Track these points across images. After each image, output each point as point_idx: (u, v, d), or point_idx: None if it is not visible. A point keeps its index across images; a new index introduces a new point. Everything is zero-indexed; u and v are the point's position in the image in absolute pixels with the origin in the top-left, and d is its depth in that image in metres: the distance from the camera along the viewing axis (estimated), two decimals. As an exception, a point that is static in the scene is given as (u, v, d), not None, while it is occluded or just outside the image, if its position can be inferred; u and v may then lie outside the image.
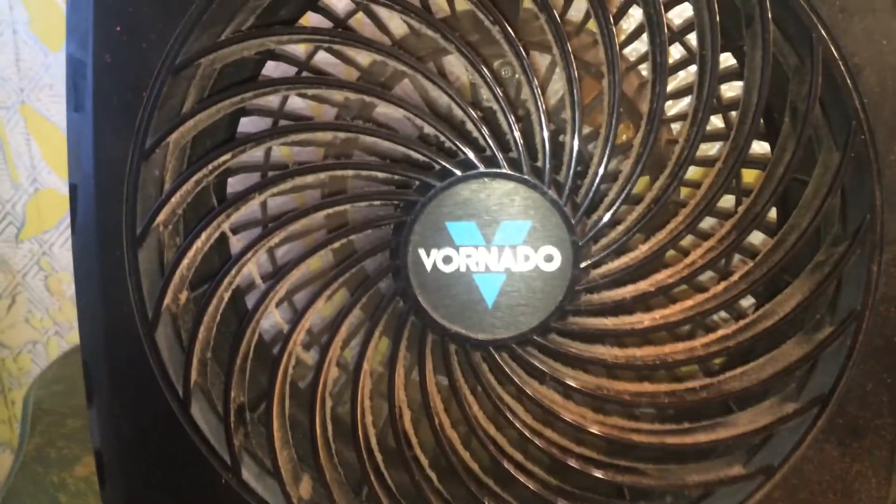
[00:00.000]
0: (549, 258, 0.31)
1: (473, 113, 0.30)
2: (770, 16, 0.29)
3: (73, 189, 0.33)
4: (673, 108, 0.52)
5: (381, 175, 0.31)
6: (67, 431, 0.56)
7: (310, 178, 0.32)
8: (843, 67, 0.29)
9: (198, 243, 0.32)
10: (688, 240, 0.32)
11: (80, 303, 0.34)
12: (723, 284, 0.31)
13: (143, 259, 0.33)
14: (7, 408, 0.82)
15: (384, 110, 0.34)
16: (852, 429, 0.32)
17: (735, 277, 0.31)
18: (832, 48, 0.29)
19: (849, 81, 0.29)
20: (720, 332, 0.32)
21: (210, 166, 0.31)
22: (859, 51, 0.29)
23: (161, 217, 0.32)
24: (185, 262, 0.33)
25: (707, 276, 0.37)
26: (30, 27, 0.67)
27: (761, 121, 0.34)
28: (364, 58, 0.41)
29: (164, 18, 0.31)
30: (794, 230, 0.31)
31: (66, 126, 0.33)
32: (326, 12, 0.39)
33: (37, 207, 0.73)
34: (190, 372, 0.33)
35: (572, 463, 0.32)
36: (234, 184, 0.38)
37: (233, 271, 0.32)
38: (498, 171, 0.30)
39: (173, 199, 0.32)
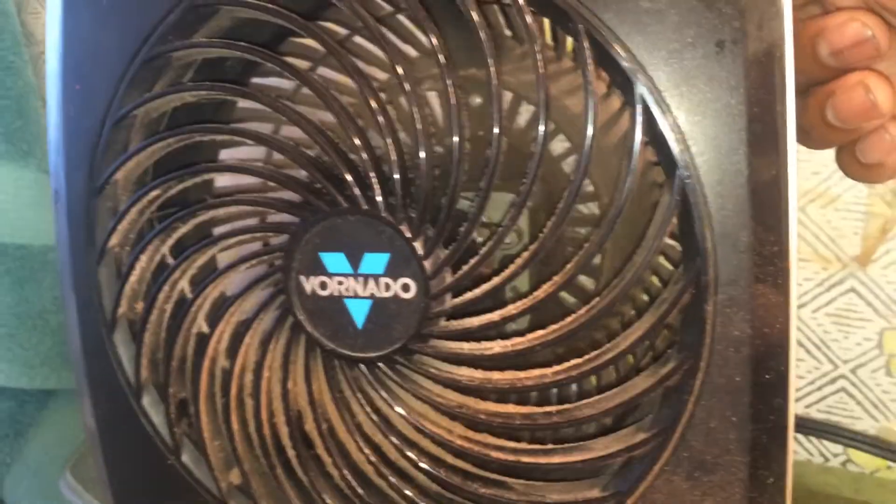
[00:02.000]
0: (405, 287, 0.34)
1: (336, 157, 0.34)
2: (589, 66, 0.30)
3: (55, 215, 0.40)
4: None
5: (271, 210, 0.36)
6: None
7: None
8: (662, 113, 0.30)
9: (141, 264, 0.39)
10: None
11: (64, 305, 0.41)
12: (571, 317, 0.33)
13: (103, 274, 0.40)
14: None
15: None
16: (699, 463, 0.33)
17: (582, 311, 0.33)
18: (653, 96, 0.30)
19: (669, 127, 0.30)
20: (571, 362, 0.34)
21: (143, 201, 0.38)
22: (680, 97, 0.30)
23: (114, 241, 0.39)
24: (133, 278, 0.39)
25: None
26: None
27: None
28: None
29: (106, 79, 0.37)
30: (631, 268, 0.32)
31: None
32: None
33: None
34: (139, 370, 0.40)
35: (441, 473, 0.36)
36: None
37: (164, 289, 0.38)
38: (356, 209, 0.34)
39: (121, 227, 0.39)
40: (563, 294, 0.35)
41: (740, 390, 0.31)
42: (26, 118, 0.91)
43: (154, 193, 0.38)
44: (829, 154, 0.58)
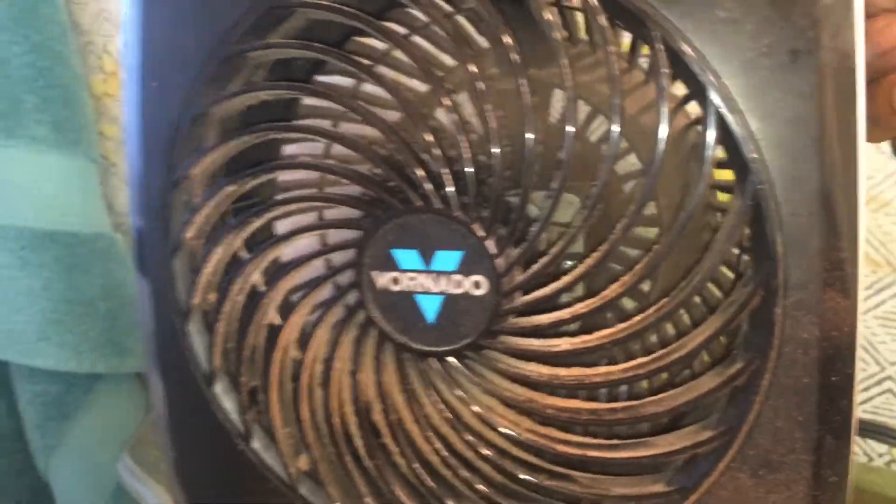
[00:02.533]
0: (477, 285, 0.35)
1: (411, 157, 0.35)
2: (663, 73, 0.31)
3: (130, 203, 0.42)
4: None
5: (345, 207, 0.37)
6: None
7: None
8: (737, 121, 0.31)
9: (216, 255, 0.40)
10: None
11: (138, 296, 0.43)
12: (639, 317, 0.34)
13: (178, 266, 0.41)
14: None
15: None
16: (765, 461, 0.33)
17: (650, 311, 0.34)
18: (727, 104, 0.31)
19: (744, 135, 0.31)
20: (637, 361, 0.34)
21: (218, 196, 0.39)
22: (755, 106, 0.31)
23: (189, 234, 0.40)
24: (208, 270, 0.40)
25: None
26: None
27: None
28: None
29: (184, 77, 0.38)
30: (698, 272, 0.33)
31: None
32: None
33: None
34: (213, 359, 0.41)
35: (507, 465, 0.37)
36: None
37: (238, 280, 0.40)
38: (430, 208, 0.35)
39: (196, 220, 0.40)
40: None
41: (808, 391, 0.32)
42: (74, 107, 0.93)
43: (230, 189, 0.39)
44: (881, 159, 0.59)
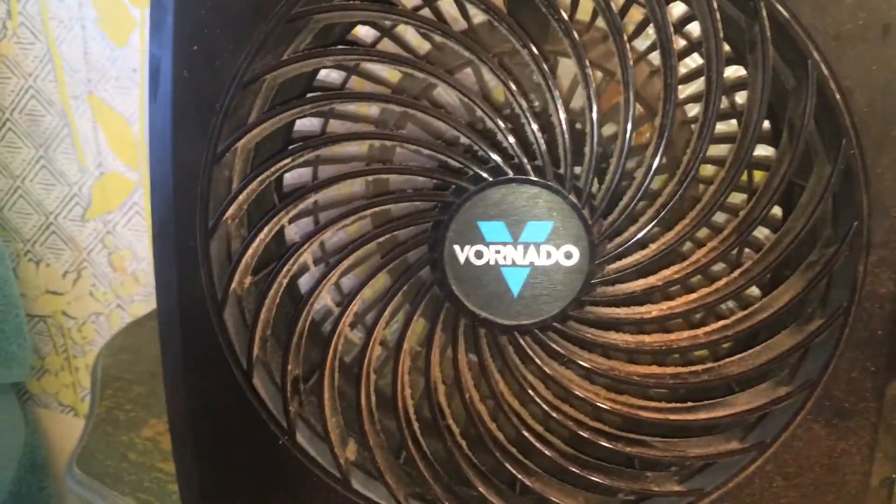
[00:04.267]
0: (568, 255, 0.35)
1: (503, 124, 0.34)
2: (770, 43, 0.32)
3: (153, 186, 0.38)
4: (685, 90, 0.54)
5: (421, 179, 0.36)
6: (133, 396, 0.62)
7: (360, 180, 0.36)
8: (835, 89, 0.32)
9: (261, 235, 0.37)
10: (706, 232, 0.36)
11: (159, 285, 0.39)
12: (724, 280, 0.35)
13: (213, 248, 0.37)
14: (71, 374, 0.89)
15: (440, 97, 0.39)
16: (838, 411, 0.36)
17: (736, 274, 0.35)
18: (826, 72, 0.32)
19: (840, 102, 0.33)
20: (721, 323, 0.36)
21: (273, 168, 0.36)
22: (851, 75, 0.32)
23: (230, 212, 0.37)
24: (250, 251, 0.37)
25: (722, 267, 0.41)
26: (98, 24, 0.72)
27: (769, 127, 0.38)
28: (392, 75, 0.46)
29: (234, 40, 0.35)
30: (789, 232, 0.34)
31: (147, 115, 0.38)
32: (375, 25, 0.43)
33: (102, 190, 0.79)
34: (253, 347, 0.38)
35: (584, 434, 0.37)
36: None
37: (291, 261, 0.37)
38: (524, 177, 0.34)
39: (241, 197, 0.37)
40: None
41: (881, 343, 0.35)
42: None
43: (283, 162, 0.36)
44: None
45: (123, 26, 0.71)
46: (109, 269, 0.82)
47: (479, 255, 0.35)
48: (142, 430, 0.58)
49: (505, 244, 0.35)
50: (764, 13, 0.32)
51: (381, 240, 0.36)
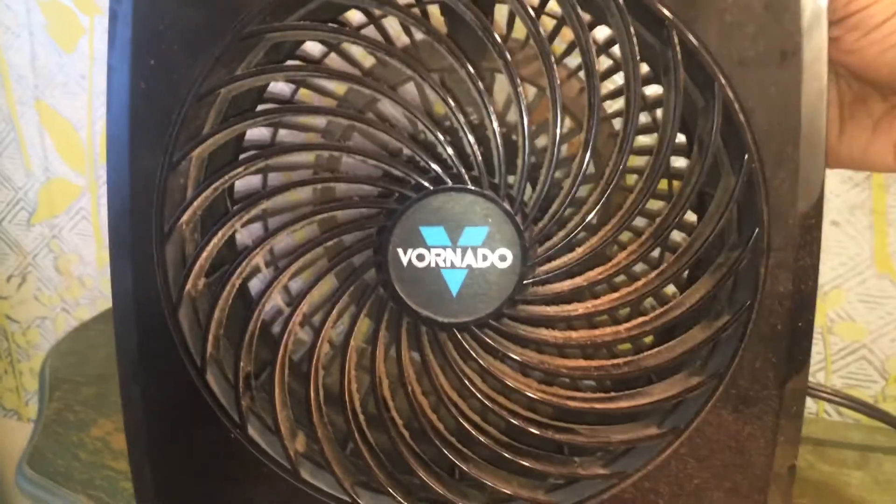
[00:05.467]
0: (503, 258, 0.38)
1: (442, 137, 0.37)
2: (681, 67, 0.36)
3: (110, 192, 0.40)
4: (613, 105, 0.58)
5: (367, 187, 0.38)
6: (83, 398, 0.63)
7: (308, 188, 0.39)
8: (739, 110, 0.36)
9: (215, 239, 0.39)
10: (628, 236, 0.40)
11: (115, 286, 0.41)
12: (643, 280, 0.39)
13: (168, 252, 0.40)
14: (15, 377, 0.89)
15: (384, 109, 0.42)
16: (744, 398, 0.40)
17: (653, 275, 0.39)
18: (730, 94, 0.36)
19: (743, 121, 0.36)
20: (640, 319, 0.39)
21: (227, 176, 0.38)
22: (752, 96, 0.36)
23: (185, 217, 0.39)
24: (204, 254, 0.40)
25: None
26: (46, 30, 0.73)
27: (685, 140, 0.42)
28: (339, 88, 0.49)
29: (191, 55, 0.37)
30: (700, 237, 0.38)
31: (91, 123, 0.40)
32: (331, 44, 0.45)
33: (48, 194, 0.79)
34: (206, 346, 0.40)
35: (517, 422, 0.40)
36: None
37: (244, 263, 0.39)
38: (462, 186, 0.37)
39: (195, 203, 0.39)
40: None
41: (780, 336, 0.39)
42: None
43: (237, 171, 0.38)
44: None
45: (72, 33, 0.72)
46: (55, 273, 0.82)
47: (420, 257, 0.38)
48: (91, 430, 0.60)
49: (445, 248, 0.38)
50: (676, 40, 0.36)
51: (328, 244, 0.39)
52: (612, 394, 0.41)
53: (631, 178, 0.49)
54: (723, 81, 0.36)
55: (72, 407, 0.62)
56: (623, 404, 0.40)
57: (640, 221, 0.40)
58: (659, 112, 0.48)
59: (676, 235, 0.41)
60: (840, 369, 0.71)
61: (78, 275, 0.81)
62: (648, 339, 0.43)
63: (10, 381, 0.88)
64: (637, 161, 0.51)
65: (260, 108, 0.42)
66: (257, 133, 0.48)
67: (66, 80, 0.74)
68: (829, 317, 0.70)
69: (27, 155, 0.78)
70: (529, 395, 0.39)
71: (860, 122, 0.46)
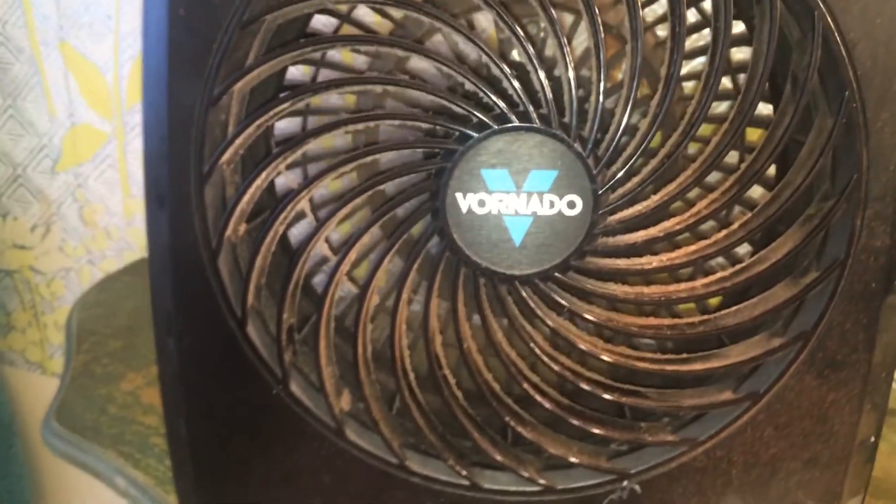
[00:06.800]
0: (571, 204, 0.35)
1: (508, 71, 0.34)
2: (778, -7, 0.32)
3: (146, 128, 0.37)
4: (685, 67, 0.55)
5: (424, 125, 0.35)
6: (110, 350, 0.61)
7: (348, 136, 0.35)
8: (839, 42, 0.33)
9: (258, 181, 0.36)
10: (696, 192, 0.36)
11: (150, 230, 0.38)
12: (723, 232, 0.35)
13: (208, 194, 0.37)
14: (39, 330, 0.87)
15: (418, 64, 0.38)
16: (830, 362, 0.36)
17: (734, 226, 0.35)
18: (831, 25, 0.32)
19: (844, 55, 0.33)
20: (719, 275, 0.36)
21: (271, 112, 0.35)
22: (855, 28, 0.33)
23: (225, 157, 0.36)
24: (246, 198, 0.37)
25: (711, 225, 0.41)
26: (71, -34, 0.70)
27: (766, 85, 0.38)
28: (397, 12, 0.45)
29: (233, -22, 0.34)
30: (788, 186, 0.34)
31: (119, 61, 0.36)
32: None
33: (73, 141, 0.77)
34: (247, 296, 0.37)
35: (583, 385, 0.37)
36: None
37: (288, 208, 0.36)
38: (530, 125, 0.34)
39: (237, 142, 0.36)
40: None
41: (874, 295, 0.35)
42: None
43: (282, 106, 0.35)
44: None
45: (98, -31, 0.69)
46: (80, 224, 0.80)
47: (481, 203, 0.35)
48: (120, 384, 0.57)
49: (508, 193, 0.35)
50: (773, -36, 0.32)
51: (380, 187, 0.36)
52: (685, 355, 0.38)
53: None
54: (823, 10, 0.32)
55: (100, 360, 0.60)
56: (697, 366, 0.37)
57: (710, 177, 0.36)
58: (734, 51, 0.44)
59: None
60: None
61: (104, 225, 0.79)
62: (714, 302, 0.40)
63: (34, 333, 0.87)
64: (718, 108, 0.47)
65: (306, 40, 0.38)
66: (297, 74, 0.45)
67: (92, 21, 0.70)
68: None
69: (51, 99, 0.75)
70: (601, 356, 0.36)
71: None
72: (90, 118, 0.75)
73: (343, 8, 0.44)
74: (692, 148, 0.44)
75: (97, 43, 0.72)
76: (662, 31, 0.48)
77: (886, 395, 0.37)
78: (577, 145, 0.34)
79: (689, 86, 0.48)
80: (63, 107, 0.75)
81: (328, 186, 0.39)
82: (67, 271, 0.83)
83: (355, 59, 0.56)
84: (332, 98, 0.42)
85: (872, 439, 0.38)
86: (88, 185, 0.78)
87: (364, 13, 0.48)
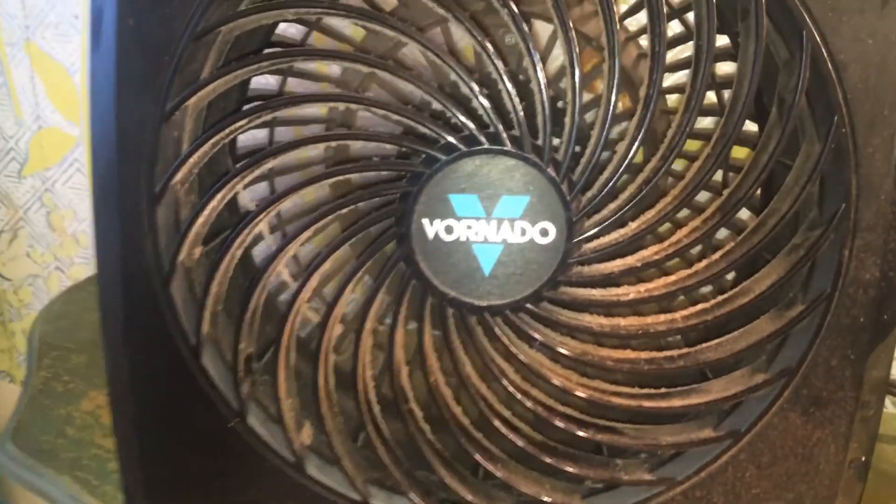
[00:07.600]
0: (544, 232, 0.33)
1: (477, 89, 0.32)
2: (764, 11, 0.30)
3: (94, 145, 0.34)
4: (668, 80, 0.53)
5: (388, 146, 0.33)
6: (72, 366, 0.59)
7: (320, 145, 0.33)
8: (829, 63, 0.31)
9: (214, 202, 0.34)
10: (683, 212, 0.35)
11: (100, 254, 0.36)
12: (704, 262, 0.34)
13: (160, 215, 0.34)
14: (7, 338, 0.85)
15: (388, 79, 0.36)
16: (815, 399, 0.35)
17: (716, 256, 0.33)
18: (821, 45, 0.31)
19: (834, 77, 0.31)
20: (700, 306, 0.34)
21: (228, 129, 0.33)
22: (845, 48, 0.31)
23: (179, 176, 0.34)
24: (201, 219, 0.34)
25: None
26: (36, -34, 0.67)
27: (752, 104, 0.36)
28: (355, 32, 0.43)
29: (185, -12, 0.32)
30: (774, 214, 0.33)
31: (88, 66, 0.34)
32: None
33: (40, 145, 0.74)
34: (202, 323, 0.35)
35: (557, 422, 0.35)
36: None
37: (246, 230, 0.34)
38: (501, 148, 0.32)
39: (191, 160, 0.34)
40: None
41: (862, 330, 0.34)
42: None
43: (239, 123, 0.33)
44: None
45: (63, -31, 0.66)
46: (48, 230, 0.77)
47: (449, 230, 0.33)
48: (81, 402, 0.55)
49: (477, 219, 0.33)
50: (761, -17, 0.30)
51: (343, 212, 0.34)
52: (664, 390, 0.36)
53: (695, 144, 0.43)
54: (812, 30, 0.30)
55: (61, 377, 0.57)
56: (676, 403, 0.35)
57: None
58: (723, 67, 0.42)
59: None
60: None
61: (72, 231, 0.76)
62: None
63: (2, 341, 0.84)
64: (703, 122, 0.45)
65: (267, 52, 0.36)
66: (263, 82, 0.43)
67: (58, 21, 0.68)
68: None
69: (17, 101, 0.72)
70: (575, 392, 0.34)
71: None
72: (57, 121, 0.72)
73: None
74: (677, 164, 0.43)
75: (64, 43, 0.69)
76: (646, 42, 0.46)
77: (874, 434, 0.36)
78: (550, 170, 0.32)
79: (672, 98, 0.46)
80: (30, 109, 0.72)
81: (303, 198, 0.36)
82: (35, 278, 0.80)
83: (328, 65, 0.54)
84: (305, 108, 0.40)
85: (857, 477, 0.36)
86: (56, 190, 0.75)
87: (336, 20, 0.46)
